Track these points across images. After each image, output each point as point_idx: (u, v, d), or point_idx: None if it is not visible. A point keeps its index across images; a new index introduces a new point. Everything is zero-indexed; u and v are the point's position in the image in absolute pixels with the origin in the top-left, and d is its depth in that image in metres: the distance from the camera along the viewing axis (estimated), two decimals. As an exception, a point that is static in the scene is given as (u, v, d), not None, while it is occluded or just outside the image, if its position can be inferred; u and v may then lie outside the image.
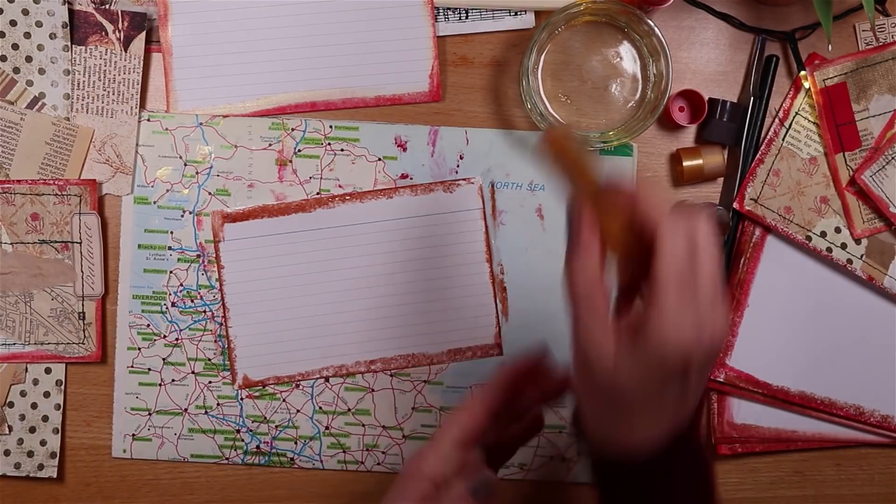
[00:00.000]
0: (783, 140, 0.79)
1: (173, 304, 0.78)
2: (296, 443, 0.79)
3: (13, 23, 0.76)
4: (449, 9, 0.79)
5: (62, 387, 0.78)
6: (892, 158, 0.79)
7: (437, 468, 0.60)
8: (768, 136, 0.79)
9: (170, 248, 0.78)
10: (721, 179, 0.80)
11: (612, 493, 0.59)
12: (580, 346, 0.55)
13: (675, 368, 0.52)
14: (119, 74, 0.77)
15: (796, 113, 0.79)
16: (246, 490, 0.80)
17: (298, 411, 0.79)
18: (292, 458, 0.80)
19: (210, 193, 0.78)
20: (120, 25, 0.77)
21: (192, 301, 0.78)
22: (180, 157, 0.78)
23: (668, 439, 0.55)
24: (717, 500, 0.60)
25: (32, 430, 0.78)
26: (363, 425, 0.79)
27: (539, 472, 0.80)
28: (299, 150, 0.78)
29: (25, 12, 0.76)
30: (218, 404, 0.79)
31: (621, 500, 0.58)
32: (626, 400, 0.54)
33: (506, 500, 0.80)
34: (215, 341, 0.79)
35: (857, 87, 0.79)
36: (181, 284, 0.78)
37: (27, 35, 0.76)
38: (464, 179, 0.79)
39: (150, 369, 0.78)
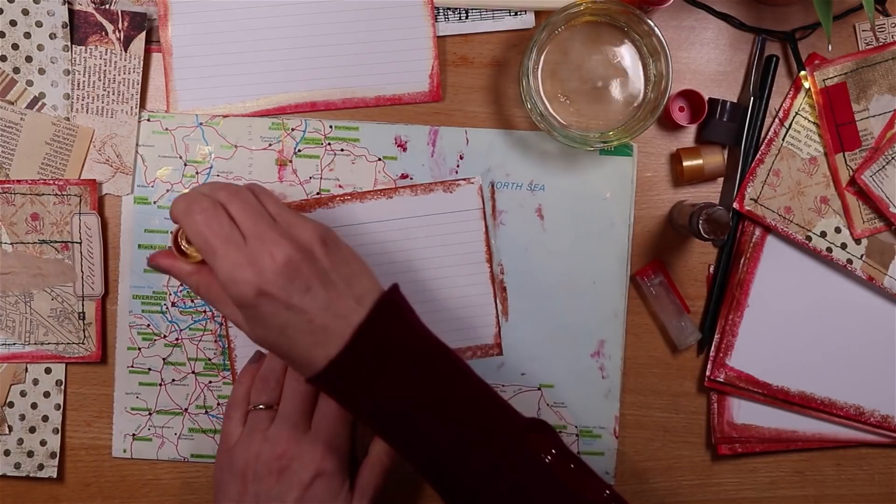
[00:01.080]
0: (783, 140, 0.79)
1: (173, 304, 0.78)
2: (296, 443, 0.79)
3: (13, 23, 0.76)
4: (449, 9, 0.79)
5: (62, 387, 0.78)
6: (892, 158, 0.79)
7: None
8: (768, 136, 0.79)
9: (170, 248, 0.78)
10: (721, 179, 0.80)
11: (338, 399, 0.63)
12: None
13: (255, 301, 0.59)
14: (119, 74, 0.77)
15: (796, 113, 0.79)
16: (246, 490, 0.80)
17: (298, 411, 0.79)
18: (292, 458, 0.80)
19: (210, 193, 0.78)
20: (120, 25, 0.77)
21: (193, 301, 0.78)
22: (180, 157, 0.78)
23: (342, 346, 0.60)
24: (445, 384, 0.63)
25: (32, 430, 0.78)
26: (363, 425, 0.79)
27: (539, 472, 0.80)
28: (299, 150, 0.78)
29: (25, 12, 0.76)
30: (218, 404, 0.79)
31: (345, 401, 0.63)
32: (267, 341, 0.62)
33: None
34: (215, 341, 0.79)
35: (857, 87, 0.79)
36: (181, 284, 0.78)
37: (27, 35, 0.76)
38: (464, 179, 0.79)
39: (150, 369, 0.78)
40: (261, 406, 0.71)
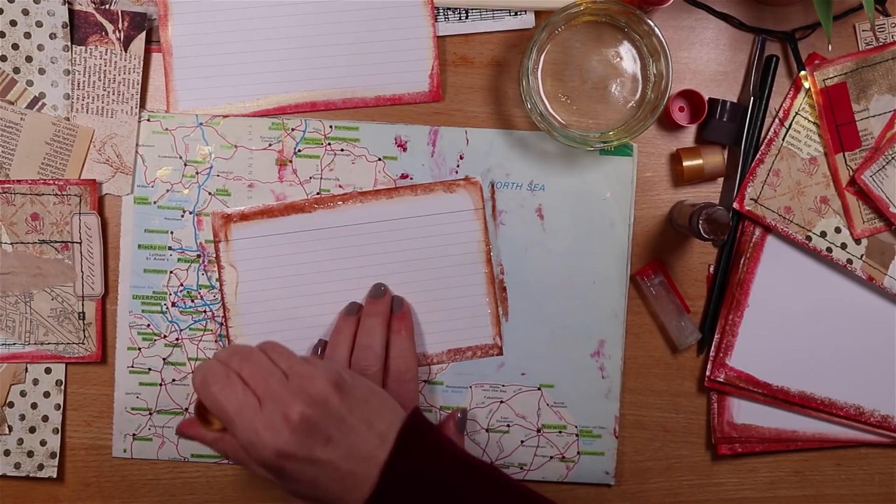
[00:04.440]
0: (783, 140, 0.79)
1: (173, 304, 0.78)
2: (296, 443, 0.79)
3: (13, 23, 0.76)
4: (449, 9, 0.79)
5: (62, 387, 0.78)
6: (892, 158, 0.79)
7: None
8: (768, 136, 0.79)
9: (170, 248, 0.78)
10: (721, 179, 0.81)
11: None
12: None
13: (278, 463, 0.61)
14: (119, 74, 0.77)
15: (796, 113, 0.79)
16: (246, 490, 0.80)
17: (298, 411, 0.79)
18: (292, 458, 0.80)
19: (210, 193, 0.78)
20: (120, 25, 0.77)
21: (193, 301, 0.78)
22: (180, 157, 0.78)
23: (372, 488, 0.61)
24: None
25: (32, 430, 0.78)
26: (363, 425, 0.79)
27: (539, 472, 0.80)
28: (299, 150, 0.78)
29: (25, 12, 0.76)
30: (218, 404, 0.79)
31: None
32: (304, 496, 0.63)
33: (505, 500, 0.80)
34: (216, 341, 0.79)
35: (857, 87, 0.79)
36: (181, 284, 0.78)
37: (27, 35, 0.76)
38: (464, 179, 0.79)
39: (150, 369, 0.78)
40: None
